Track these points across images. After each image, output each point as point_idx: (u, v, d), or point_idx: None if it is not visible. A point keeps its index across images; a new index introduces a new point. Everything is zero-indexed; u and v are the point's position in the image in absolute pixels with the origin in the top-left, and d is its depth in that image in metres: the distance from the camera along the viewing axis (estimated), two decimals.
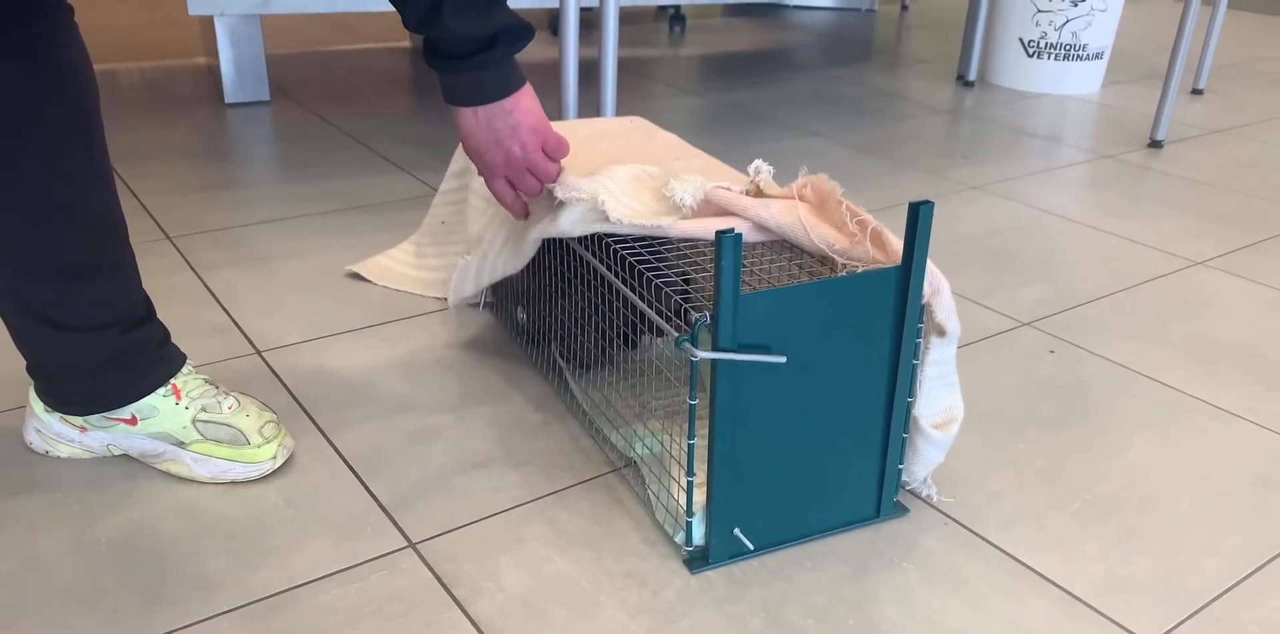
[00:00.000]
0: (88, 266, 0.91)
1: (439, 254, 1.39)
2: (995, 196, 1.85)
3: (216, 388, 1.01)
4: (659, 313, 0.90)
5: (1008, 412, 1.15)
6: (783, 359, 0.80)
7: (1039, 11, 2.57)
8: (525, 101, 0.96)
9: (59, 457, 1.00)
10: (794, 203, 0.91)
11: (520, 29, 0.92)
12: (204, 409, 0.98)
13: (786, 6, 3.80)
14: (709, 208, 0.95)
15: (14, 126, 0.83)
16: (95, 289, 0.92)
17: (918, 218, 0.80)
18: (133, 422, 0.97)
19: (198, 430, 0.97)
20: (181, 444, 0.97)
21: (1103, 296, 1.45)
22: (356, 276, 1.42)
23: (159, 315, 1.00)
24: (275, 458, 0.98)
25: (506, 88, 0.94)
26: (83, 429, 0.98)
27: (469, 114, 0.95)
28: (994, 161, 2.06)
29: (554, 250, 1.12)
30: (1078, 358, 1.28)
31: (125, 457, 1.01)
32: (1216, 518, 0.99)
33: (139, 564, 0.87)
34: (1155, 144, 2.20)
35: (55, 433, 0.99)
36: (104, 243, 0.92)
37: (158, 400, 0.97)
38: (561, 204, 0.99)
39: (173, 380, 0.98)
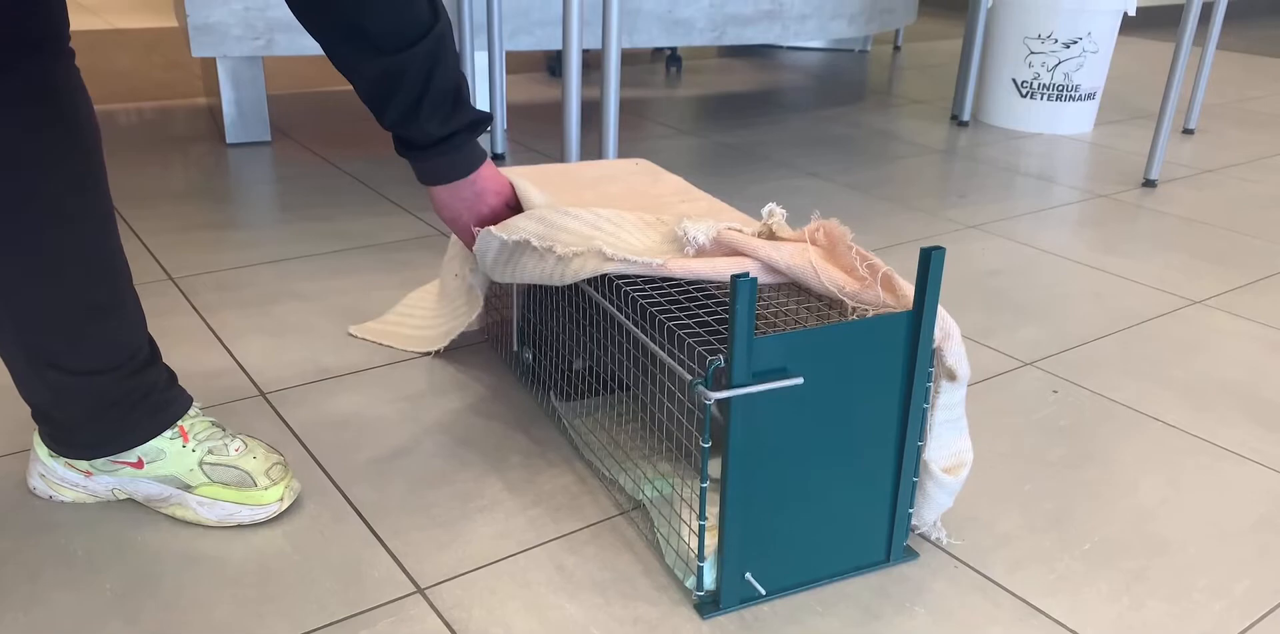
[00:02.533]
0: (90, 309, 0.91)
1: (437, 312, 1.38)
2: (992, 236, 1.86)
3: (223, 430, 1.00)
4: (670, 355, 0.90)
5: (1014, 453, 1.15)
6: (799, 380, 0.79)
7: (1031, 53, 2.61)
8: (485, 171, 1.08)
9: (63, 501, 1.00)
10: (805, 246, 0.91)
11: (479, 122, 1.03)
12: (211, 451, 0.98)
13: (780, 47, 3.84)
14: (719, 249, 0.95)
15: (15, 172, 0.84)
16: (99, 332, 0.92)
17: (929, 263, 0.81)
18: (139, 465, 0.96)
19: (204, 473, 0.97)
20: (188, 487, 0.97)
21: (1103, 336, 1.46)
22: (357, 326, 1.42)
23: (163, 357, 1.00)
24: (282, 500, 0.98)
25: (470, 166, 1.07)
26: (88, 474, 0.98)
27: (440, 190, 1.08)
28: (990, 201, 2.08)
29: (562, 291, 1.12)
30: (1080, 398, 1.28)
31: (130, 501, 1.00)
32: (1223, 560, 0.98)
33: (144, 612, 0.86)
34: (1149, 183, 2.22)
35: (59, 478, 0.98)
36: (107, 286, 0.92)
37: (164, 443, 0.97)
38: (560, 258, 1.00)
39: (179, 422, 0.98)
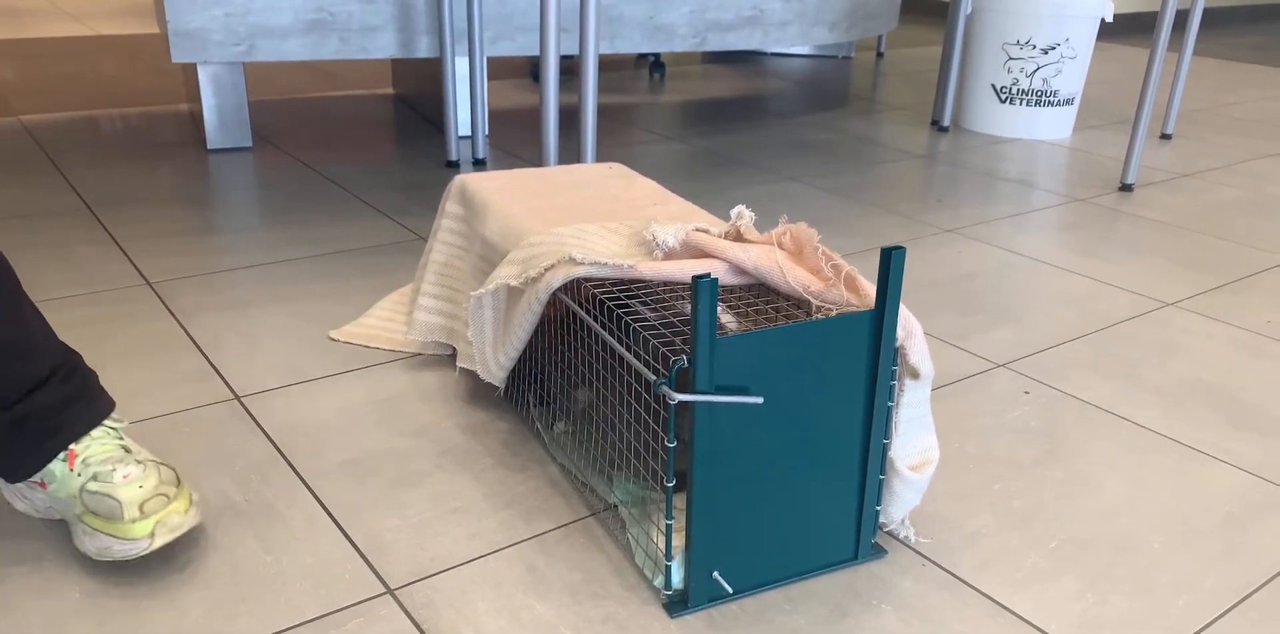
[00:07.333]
0: None
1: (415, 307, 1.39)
2: (970, 240, 1.88)
3: (127, 452, 0.94)
4: (637, 356, 0.90)
5: (984, 452, 1.16)
6: (759, 400, 0.81)
7: (1010, 58, 2.63)
8: None
9: (17, 510, 0.99)
10: (772, 248, 0.92)
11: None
12: (95, 478, 0.91)
13: (764, 54, 3.86)
14: (688, 251, 0.96)
15: None
16: None
17: (890, 263, 0.82)
18: (43, 487, 0.93)
19: (83, 501, 0.91)
20: (76, 515, 0.92)
21: (1076, 338, 1.47)
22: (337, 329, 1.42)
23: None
24: (153, 535, 0.88)
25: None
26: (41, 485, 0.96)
27: None
28: (968, 205, 2.09)
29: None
30: (1052, 398, 1.29)
31: None
32: (1189, 557, 0.99)
33: (113, 615, 0.87)
34: (1126, 188, 2.24)
35: (7, 487, 0.97)
36: None
37: (57, 465, 0.92)
38: (533, 278, 1.01)
39: (72, 445, 0.92)
